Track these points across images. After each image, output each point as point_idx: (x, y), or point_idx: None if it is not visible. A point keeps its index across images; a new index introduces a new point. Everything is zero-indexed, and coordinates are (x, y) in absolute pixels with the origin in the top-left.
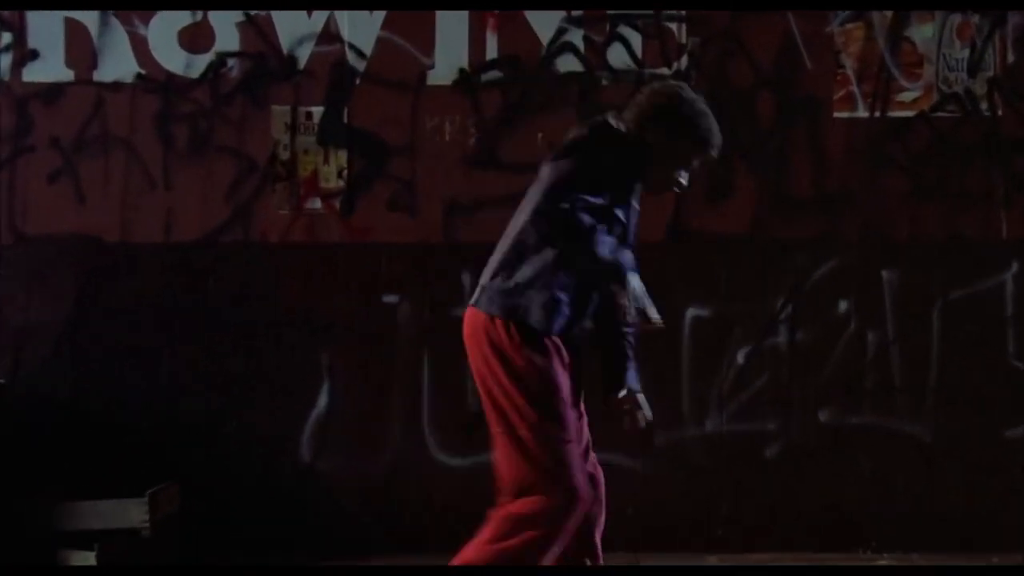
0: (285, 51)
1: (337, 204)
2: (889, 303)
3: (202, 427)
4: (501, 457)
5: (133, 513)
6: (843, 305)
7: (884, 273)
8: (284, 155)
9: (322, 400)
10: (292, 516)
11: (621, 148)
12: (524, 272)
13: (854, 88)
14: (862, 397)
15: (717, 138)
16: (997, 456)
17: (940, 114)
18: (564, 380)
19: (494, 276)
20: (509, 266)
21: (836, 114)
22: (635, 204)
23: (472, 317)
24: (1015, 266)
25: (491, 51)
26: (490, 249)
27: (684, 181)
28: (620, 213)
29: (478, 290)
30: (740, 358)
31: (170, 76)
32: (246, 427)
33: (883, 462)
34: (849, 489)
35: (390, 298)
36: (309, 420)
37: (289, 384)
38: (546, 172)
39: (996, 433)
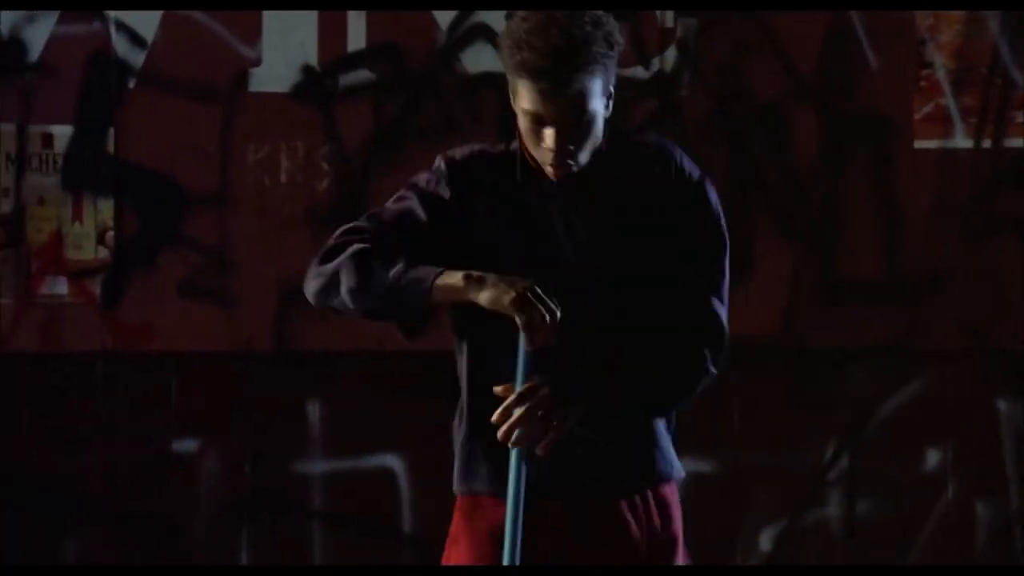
0: (3, 32)
1: (97, 288)
2: (1011, 454)
3: None
4: None
5: None
6: (934, 457)
7: (1001, 405)
8: (3, 206)
9: None
10: None
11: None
12: None
13: (947, 101)
14: None
15: (535, 52)
16: None
17: None
18: None
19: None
20: None
21: (919, 143)
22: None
23: None
24: None
25: (355, 38)
26: (354, 356)
27: (549, 143)
28: None
29: None
30: (765, 543)
31: None
32: None
33: None
34: None
35: (185, 445)
36: None
37: None
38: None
39: None
